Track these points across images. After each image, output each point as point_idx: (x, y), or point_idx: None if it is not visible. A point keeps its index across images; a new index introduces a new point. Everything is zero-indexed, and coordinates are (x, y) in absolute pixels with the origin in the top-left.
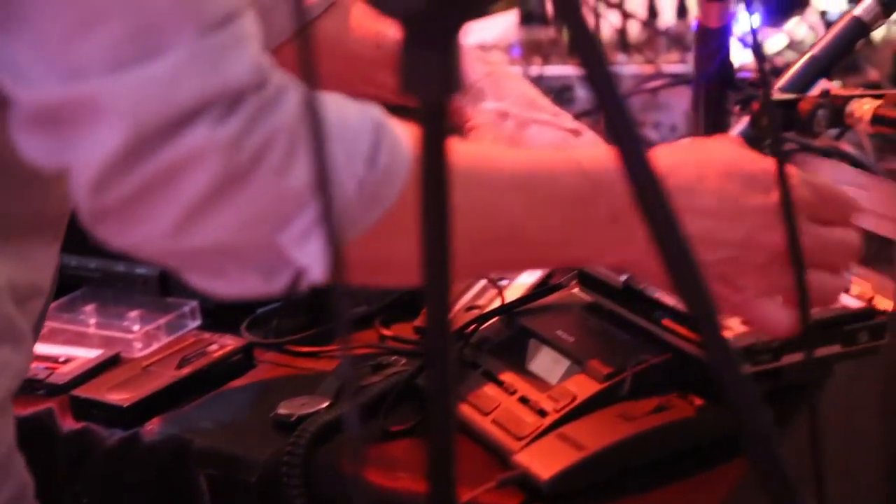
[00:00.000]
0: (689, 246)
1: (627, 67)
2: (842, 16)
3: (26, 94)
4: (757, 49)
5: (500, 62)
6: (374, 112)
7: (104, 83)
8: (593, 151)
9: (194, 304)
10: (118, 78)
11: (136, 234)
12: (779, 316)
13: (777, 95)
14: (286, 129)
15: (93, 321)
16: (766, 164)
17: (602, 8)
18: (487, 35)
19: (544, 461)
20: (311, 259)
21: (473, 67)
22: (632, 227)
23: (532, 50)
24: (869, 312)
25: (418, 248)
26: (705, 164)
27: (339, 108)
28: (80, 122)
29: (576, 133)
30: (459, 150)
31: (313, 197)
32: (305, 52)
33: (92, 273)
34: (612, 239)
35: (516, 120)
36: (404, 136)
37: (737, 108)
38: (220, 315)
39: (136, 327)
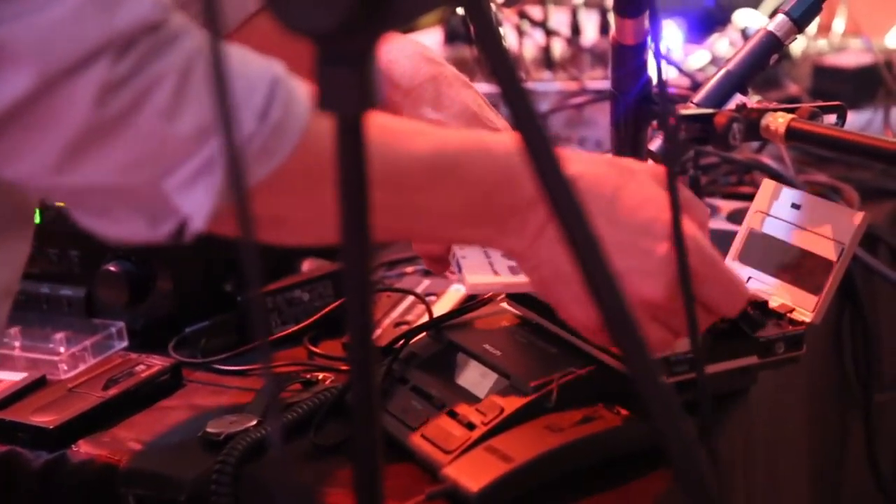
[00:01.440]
0: (608, 261)
1: (552, 84)
2: (756, 32)
3: None
4: (660, 68)
5: (447, 64)
6: (277, 68)
7: (7, 29)
8: (503, 138)
9: (120, 324)
10: (21, 22)
11: (22, 167)
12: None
13: (692, 109)
14: (176, 72)
15: (17, 344)
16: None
17: (526, 26)
18: None
19: (473, 474)
20: (194, 208)
21: (419, 68)
22: (532, 221)
23: (457, 68)
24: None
25: (315, 206)
26: (621, 187)
27: (240, 60)
28: None
29: None
30: (373, 120)
31: (200, 145)
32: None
33: (16, 295)
34: (511, 228)
35: None
36: (304, 94)
37: (654, 123)
38: (147, 335)
39: (61, 349)
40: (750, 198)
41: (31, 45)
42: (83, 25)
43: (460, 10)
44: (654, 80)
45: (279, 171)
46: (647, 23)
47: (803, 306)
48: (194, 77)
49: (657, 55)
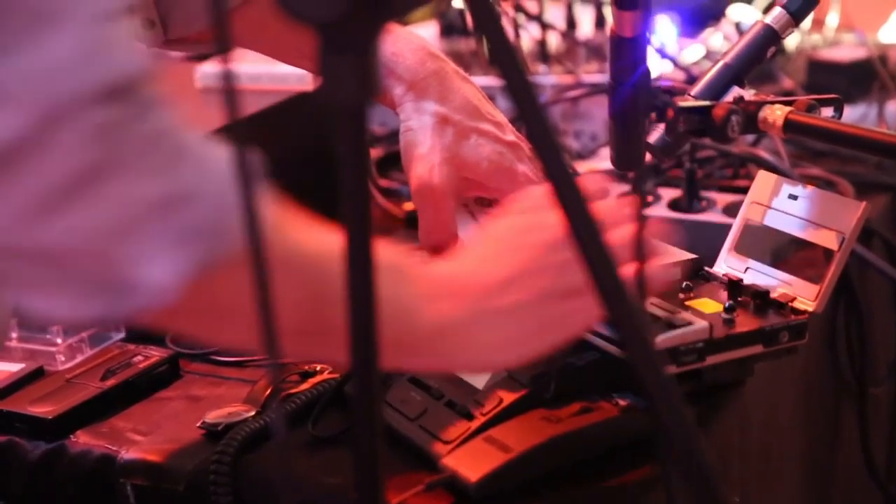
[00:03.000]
0: (608, 250)
1: (548, 78)
2: (753, 24)
3: None
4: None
5: (448, 59)
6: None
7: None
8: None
9: None
10: (13, 61)
11: None
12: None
13: (690, 102)
14: (172, 134)
15: (14, 335)
16: None
17: (522, 19)
18: None
19: (472, 464)
20: (159, 277)
21: (423, 62)
22: None
23: (453, 61)
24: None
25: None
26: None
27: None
28: None
29: (514, 146)
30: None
31: (175, 212)
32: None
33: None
34: None
35: (456, 128)
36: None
37: (653, 115)
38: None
39: (58, 340)
40: (745, 191)
41: (26, 85)
42: (81, 68)
43: (456, 3)
44: (653, 73)
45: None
46: (644, 15)
47: (804, 296)
48: (179, 141)
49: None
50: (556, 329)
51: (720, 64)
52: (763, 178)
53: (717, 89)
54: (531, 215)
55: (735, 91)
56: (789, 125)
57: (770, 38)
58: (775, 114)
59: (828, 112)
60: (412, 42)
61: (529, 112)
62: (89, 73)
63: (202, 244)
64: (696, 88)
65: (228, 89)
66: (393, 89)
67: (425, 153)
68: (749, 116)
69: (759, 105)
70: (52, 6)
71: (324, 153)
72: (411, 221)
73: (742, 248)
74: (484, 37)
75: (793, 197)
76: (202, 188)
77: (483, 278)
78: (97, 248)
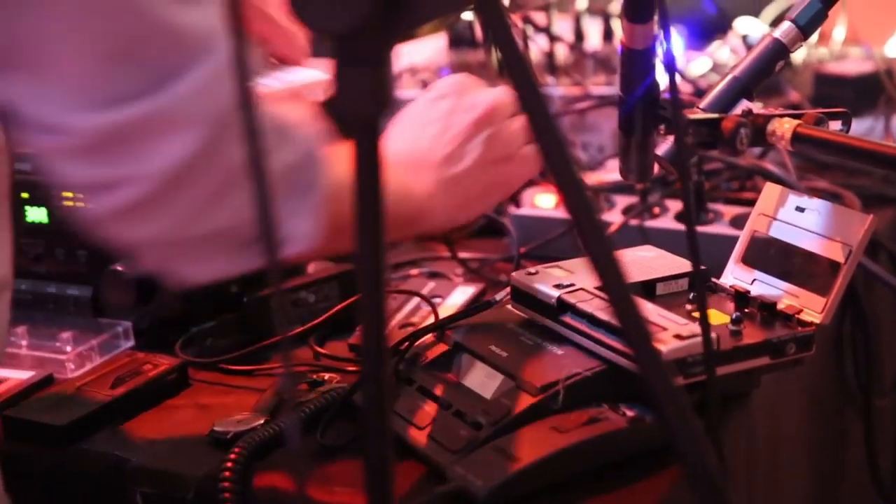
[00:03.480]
0: (618, 261)
1: (556, 89)
2: (762, 38)
3: (75, 125)
4: (671, 67)
5: None
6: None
7: (159, 99)
8: None
9: (127, 324)
10: (169, 90)
11: (156, 225)
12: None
13: (699, 114)
14: (274, 118)
15: (24, 342)
16: None
17: (530, 31)
18: (417, 58)
19: (480, 473)
20: (299, 230)
21: None
22: None
23: (461, 72)
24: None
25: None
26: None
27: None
28: (146, 138)
29: None
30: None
31: (295, 175)
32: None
33: (23, 295)
34: None
35: None
36: None
37: (662, 127)
38: (153, 335)
39: (68, 348)
40: (752, 203)
41: (192, 107)
42: (222, 88)
43: (465, 15)
44: (664, 86)
45: None
46: (655, 28)
47: (811, 307)
48: (280, 122)
49: (669, 61)
50: (496, 189)
51: (729, 77)
52: (770, 190)
53: (725, 102)
54: (454, 98)
55: (743, 104)
56: (798, 138)
57: (779, 51)
58: (784, 127)
59: (835, 125)
60: None
61: (542, 122)
62: (228, 90)
63: (317, 191)
64: (705, 101)
65: (246, 100)
66: None
67: None
68: (757, 129)
69: (768, 118)
70: (198, 42)
71: None
72: None
73: (749, 260)
74: (496, 48)
75: (800, 209)
76: (303, 152)
77: (432, 154)
78: (251, 219)
